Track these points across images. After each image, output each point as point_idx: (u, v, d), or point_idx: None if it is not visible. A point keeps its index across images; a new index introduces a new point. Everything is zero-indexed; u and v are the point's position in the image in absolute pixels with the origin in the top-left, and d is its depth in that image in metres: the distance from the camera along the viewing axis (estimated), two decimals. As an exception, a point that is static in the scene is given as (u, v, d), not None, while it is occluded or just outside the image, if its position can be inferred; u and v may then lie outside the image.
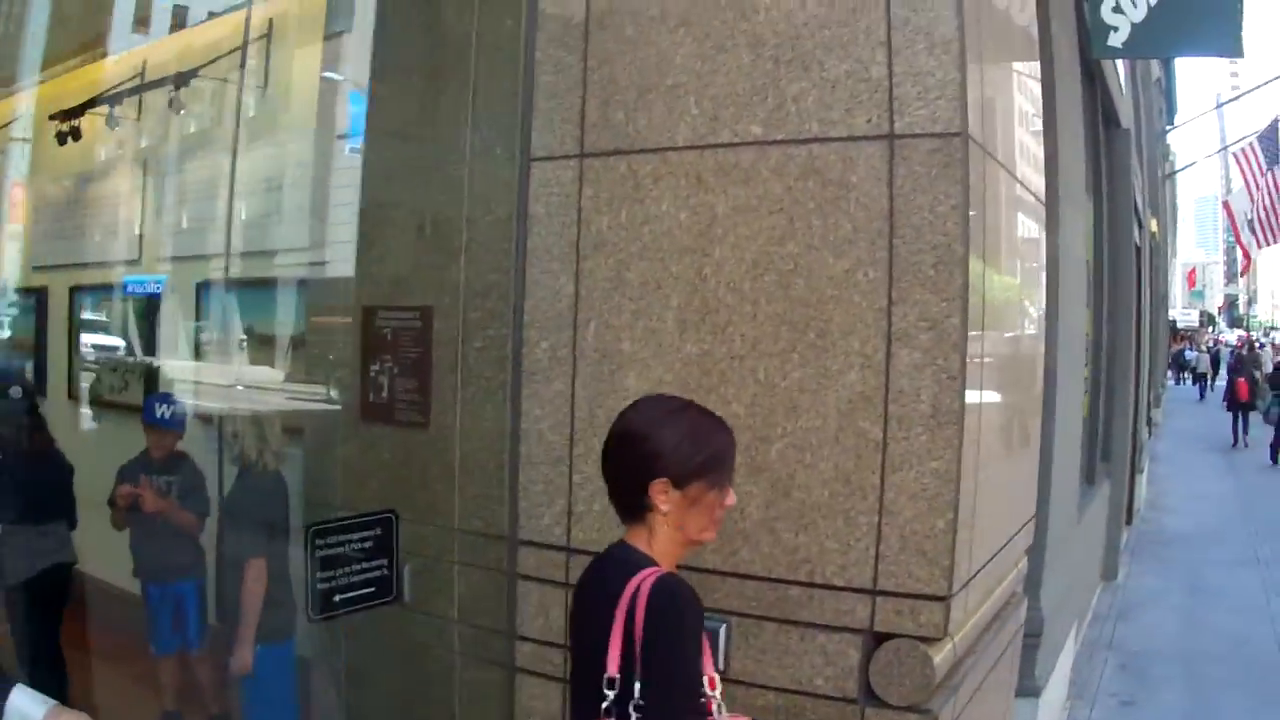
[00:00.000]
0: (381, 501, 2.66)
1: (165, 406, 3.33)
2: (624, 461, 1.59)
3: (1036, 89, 2.89)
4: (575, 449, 2.32)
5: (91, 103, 3.80)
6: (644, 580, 1.48)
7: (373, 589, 2.13)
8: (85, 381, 4.33)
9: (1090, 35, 3.97)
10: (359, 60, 2.74)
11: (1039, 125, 2.99)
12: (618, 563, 1.56)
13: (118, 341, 4.44)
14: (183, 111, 3.72)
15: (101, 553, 3.43)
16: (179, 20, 3.99)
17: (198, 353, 3.86)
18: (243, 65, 3.33)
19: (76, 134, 3.79)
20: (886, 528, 1.85)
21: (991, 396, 2.11)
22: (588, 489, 2.29)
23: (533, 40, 2.32)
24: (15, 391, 3.23)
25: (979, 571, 2.06)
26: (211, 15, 3.81)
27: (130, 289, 4.21)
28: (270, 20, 3.21)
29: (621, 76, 2.21)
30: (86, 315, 4.40)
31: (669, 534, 1.56)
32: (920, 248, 1.82)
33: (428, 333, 2.60)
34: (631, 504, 1.58)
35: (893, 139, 1.83)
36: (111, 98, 3.80)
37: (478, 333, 2.51)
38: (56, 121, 3.72)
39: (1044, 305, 3.12)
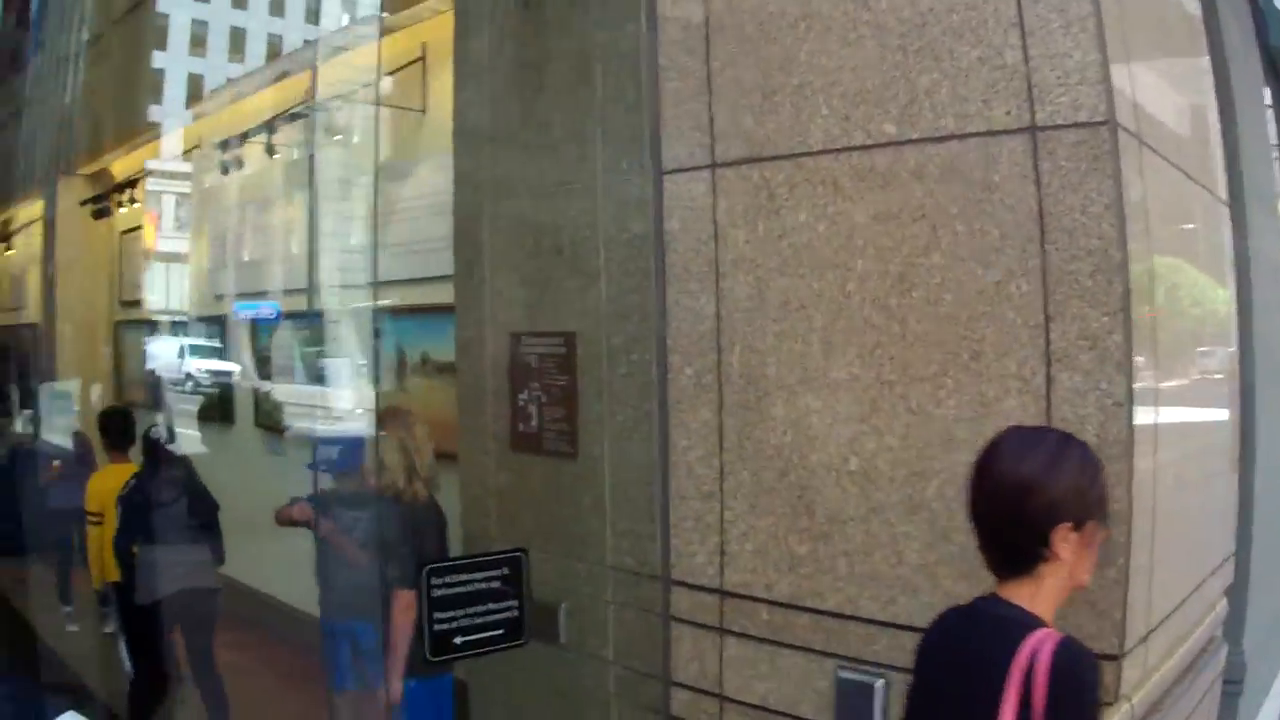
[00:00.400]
0: (534, 536, 3.04)
1: (332, 449, 3.92)
2: (1019, 512, 1.60)
3: (1205, 80, 2.81)
4: (725, 482, 2.55)
5: (262, 130, 4.49)
6: (1041, 645, 1.50)
7: (500, 631, 2.45)
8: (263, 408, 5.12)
9: (1267, 22, 3.86)
10: (487, 78, 3.10)
11: (1214, 118, 2.91)
12: (996, 622, 1.59)
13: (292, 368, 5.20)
14: (338, 138, 4.31)
15: (292, 579, 4.10)
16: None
17: (331, 380, 4.47)
18: (377, 88, 3.82)
19: (239, 163, 4.50)
20: (1050, 577, 1.92)
21: (1172, 422, 2.10)
22: (740, 526, 2.51)
23: (654, 45, 2.55)
24: (157, 431, 3.99)
25: (1161, 623, 2.07)
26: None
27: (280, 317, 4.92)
28: (424, 44, 3.65)
29: (746, 78, 2.39)
30: (262, 343, 5.18)
31: (1058, 584, 1.62)
32: (1074, 254, 1.88)
33: (572, 359, 2.93)
34: (1021, 555, 1.62)
35: (1035, 131, 1.90)
36: (269, 125, 4.47)
37: (621, 358, 2.80)
38: (219, 151, 4.44)
39: (1235, 315, 3.02)
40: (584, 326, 2.90)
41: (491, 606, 2.43)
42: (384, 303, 4.33)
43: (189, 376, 5.63)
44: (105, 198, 6.11)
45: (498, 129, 3.11)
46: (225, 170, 4.50)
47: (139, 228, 6.17)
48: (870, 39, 2.14)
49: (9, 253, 6.94)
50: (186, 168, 5.63)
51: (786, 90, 2.32)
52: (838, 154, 2.25)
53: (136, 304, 6.14)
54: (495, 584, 2.44)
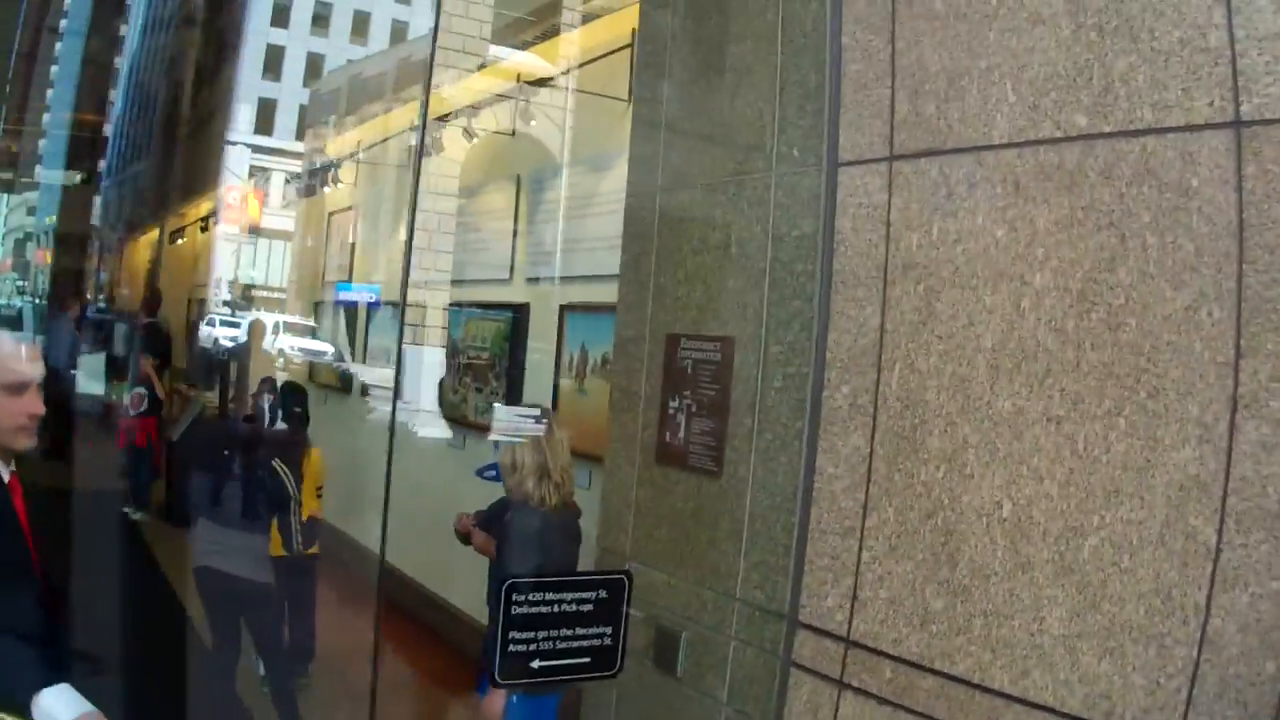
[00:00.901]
0: (667, 557, 3.10)
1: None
2: None
3: None
4: (868, 519, 2.50)
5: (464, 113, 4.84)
6: None
7: (587, 659, 2.49)
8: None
9: None
10: (666, 60, 3.21)
11: None
12: None
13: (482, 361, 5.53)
14: (532, 123, 4.58)
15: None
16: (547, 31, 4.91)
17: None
18: (568, 77, 4.02)
19: (437, 146, 4.87)
20: (1205, 665, 1.77)
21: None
22: (876, 570, 2.45)
23: (839, 22, 2.58)
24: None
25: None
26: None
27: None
28: (632, 30, 3.82)
29: (931, 60, 2.37)
30: (457, 334, 5.54)
31: None
32: (1275, 278, 1.73)
33: (728, 367, 2.97)
34: None
35: (1239, 126, 1.77)
36: (470, 110, 4.81)
37: (777, 370, 2.81)
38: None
39: None
40: (743, 332, 2.94)
41: (580, 631, 2.48)
42: (572, 299, 4.53)
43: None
44: (312, 176, 6.79)
45: (674, 114, 3.22)
46: (425, 154, 4.90)
47: (348, 208, 6.82)
48: (1064, 15, 2.07)
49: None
50: (388, 151, 6.17)
51: (973, 74, 2.28)
52: (1022, 148, 2.18)
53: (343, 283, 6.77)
54: (588, 607, 2.49)
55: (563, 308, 4.72)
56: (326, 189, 6.95)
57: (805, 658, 2.61)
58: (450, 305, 5.64)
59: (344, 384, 6.80)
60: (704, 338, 3.07)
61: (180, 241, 9.42)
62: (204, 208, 8.95)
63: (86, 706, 2.22)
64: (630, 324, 3.40)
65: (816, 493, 2.66)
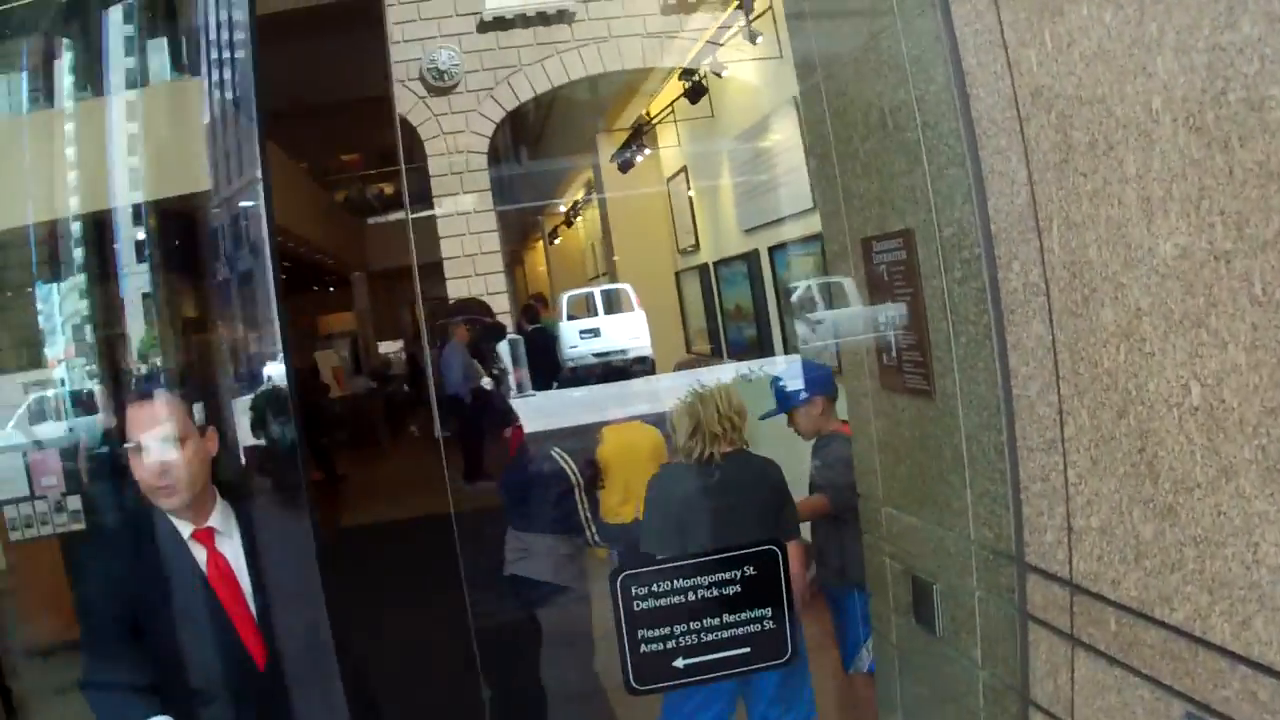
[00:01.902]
0: (907, 496, 2.62)
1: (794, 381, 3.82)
2: None
3: None
4: (1065, 427, 1.92)
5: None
6: None
7: (746, 650, 2.10)
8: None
9: None
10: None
11: None
12: None
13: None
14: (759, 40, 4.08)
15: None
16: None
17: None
18: None
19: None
20: None
21: None
22: (1084, 492, 1.88)
23: None
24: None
25: None
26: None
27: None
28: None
29: None
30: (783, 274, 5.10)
31: None
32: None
33: (912, 263, 2.44)
34: None
35: None
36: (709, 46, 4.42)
37: (955, 257, 2.26)
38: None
39: None
40: (917, 220, 2.39)
41: (730, 618, 2.10)
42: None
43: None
44: (626, 150, 6.70)
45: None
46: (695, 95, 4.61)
47: (682, 170, 6.63)
48: None
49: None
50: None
51: None
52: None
53: (694, 249, 6.60)
54: (735, 589, 2.11)
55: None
56: (640, 157, 6.89)
57: (1038, 607, 2.06)
58: (773, 246, 5.29)
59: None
60: (888, 236, 2.54)
61: (557, 241, 9.86)
62: (570, 200, 9.33)
63: None
64: (833, 236, 2.92)
65: (1015, 400, 2.08)
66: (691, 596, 2.12)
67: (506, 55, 8.92)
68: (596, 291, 8.79)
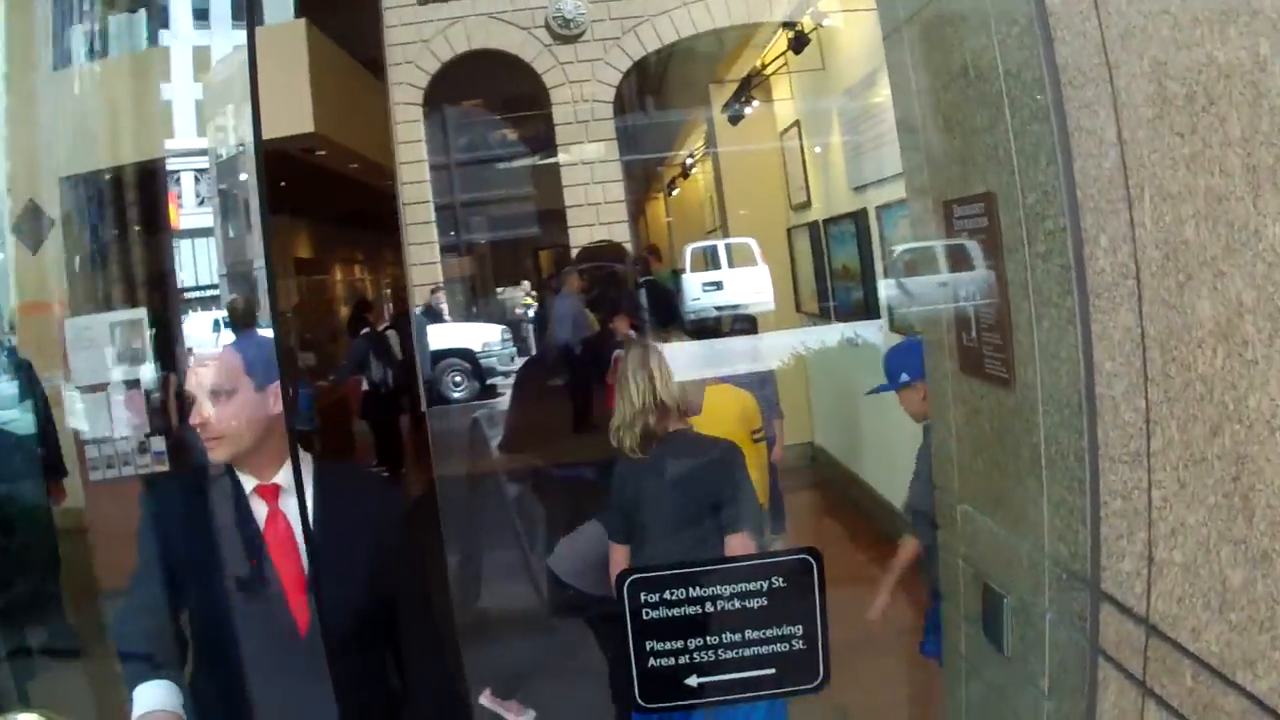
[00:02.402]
0: (983, 494, 2.32)
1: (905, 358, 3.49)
2: None
3: None
4: (1152, 439, 1.59)
5: None
6: None
7: (770, 670, 1.82)
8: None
9: None
10: None
11: None
12: None
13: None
14: None
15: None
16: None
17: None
18: None
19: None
20: None
21: None
22: (1169, 518, 1.56)
23: None
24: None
25: None
26: None
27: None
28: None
29: None
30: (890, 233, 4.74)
31: None
32: None
33: (994, 231, 2.12)
34: None
35: None
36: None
37: (1038, 226, 1.94)
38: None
39: None
40: (999, 182, 2.06)
41: (753, 634, 1.83)
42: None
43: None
44: (736, 102, 6.34)
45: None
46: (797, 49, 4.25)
47: (795, 124, 6.25)
48: None
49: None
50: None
51: None
52: None
53: (805, 206, 6.25)
54: (761, 601, 1.84)
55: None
56: (748, 109, 6.52)
57: (1110, 643, 1.75)
58: (881, 205, 4.90)
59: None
60: (970, 199, 2.21)
61: (675, 193, 9.52)
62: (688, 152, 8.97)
63: (168, 705, 2.17)
64: (914, 194, 2.60)
65: (1099, 400, 1.76)
66: (710, 607, 1.87)
67: (631, 5, 8.67)
68: (721, 244, 8.54)
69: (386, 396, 7.14)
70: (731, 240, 8.16)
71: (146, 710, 2.18)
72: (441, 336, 10.06)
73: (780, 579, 1.87)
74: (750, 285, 8.29)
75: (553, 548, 4.16)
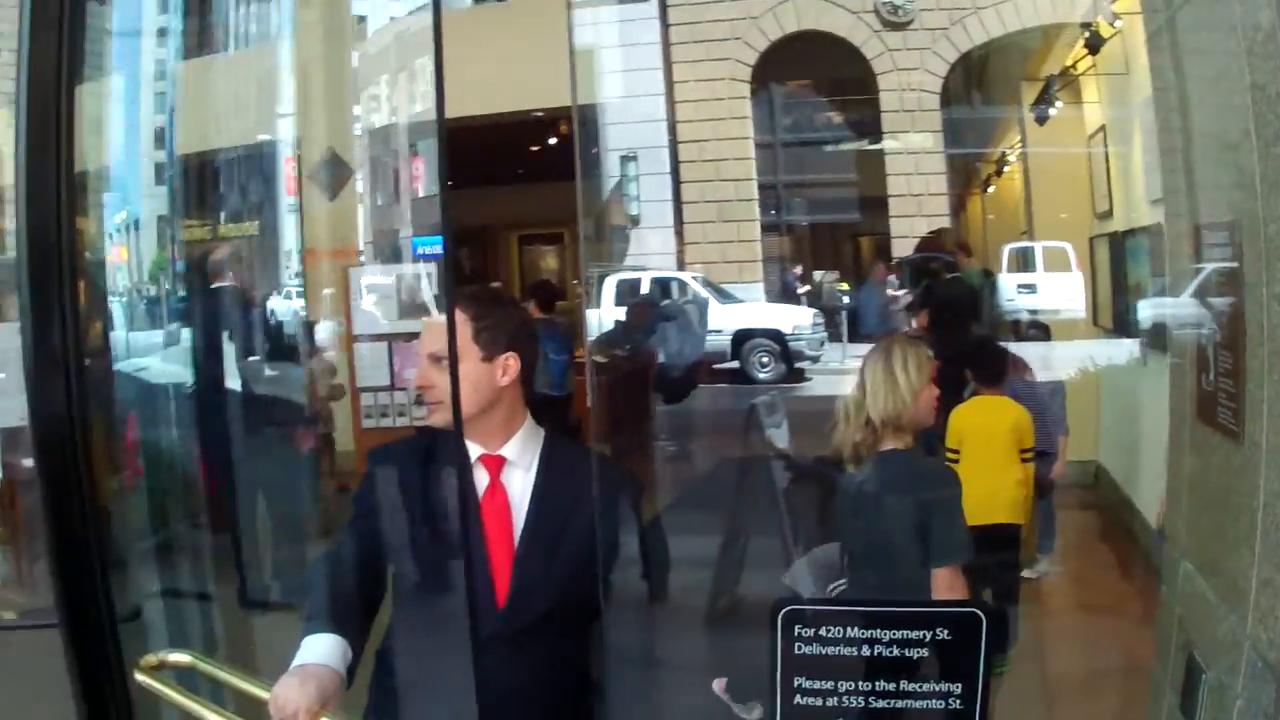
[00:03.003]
0: (1205, 552, 2.06)
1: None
2: None
3: None
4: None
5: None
6: None
7: None
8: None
9: None
10: None
11: None
12: None
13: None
14: None
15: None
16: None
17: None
18: None
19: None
20: None
21: None
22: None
23: None
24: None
25: None
26: None
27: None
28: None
29: None
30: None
31: None
32: None
33: (1238, 265, 1.85)
34: None
35: None
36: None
37: (1278, 262, 1.67)
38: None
39: None
40: (1240, 207, 1.80)
41: (909, 687, 1.69)
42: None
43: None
44: (1042, 101, 5.83)
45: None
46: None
47: (1101, 129, 5.72)
48: None
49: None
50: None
51: None
52: None
53: (1107, 215, 5.72)
54: (921, 652, 1.70)
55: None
56: (1052, 110, 5.98)
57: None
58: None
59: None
60: (1217, 225, 1.95)
61: (991, 190, 8.97)
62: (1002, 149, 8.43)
63: (331, 661, 2.16)
64: (1173, 215, 2.32)
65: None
66: (866, 650, 1.75)
67: (959, -3, 8.36)
68: (1038, 247, 8.09)
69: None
70: (1048, 244, 7.72)
71: (305, 661, 2.18)
72: (751, 315, 10.03)
73: (945, 632, 1.73)
74: (1064, 291, 7.80)
75: (816, 544, 4.09)
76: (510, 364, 2.42)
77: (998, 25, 8.11)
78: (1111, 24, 4.42)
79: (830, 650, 1.77)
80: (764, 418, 5.91)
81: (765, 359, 9.77)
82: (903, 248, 9.39)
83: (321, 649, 2.20)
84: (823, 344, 9.75)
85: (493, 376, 2.42)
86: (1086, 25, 4.56)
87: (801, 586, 3.48)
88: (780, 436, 5.27)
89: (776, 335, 9.84)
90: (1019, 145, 8.25)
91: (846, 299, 10.06)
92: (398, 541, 2.47)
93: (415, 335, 4.66)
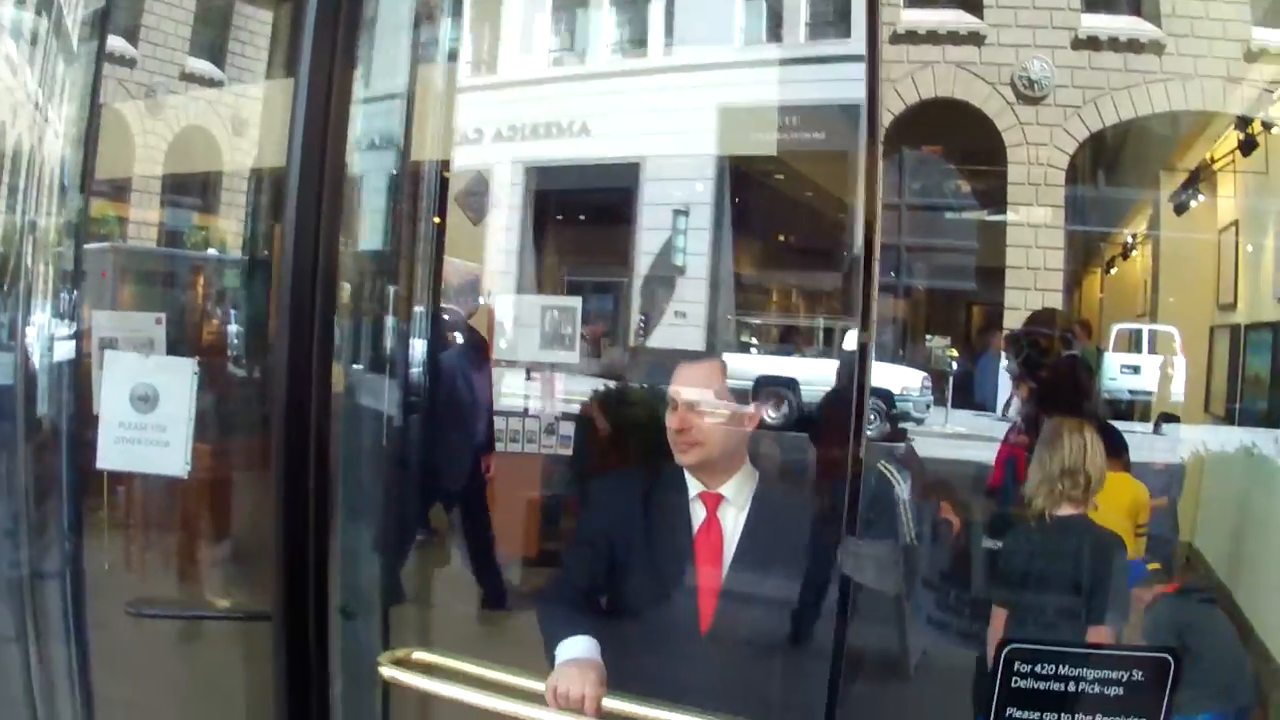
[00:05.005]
0: None
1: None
2: None
3: None
4: None
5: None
6: None
7: None
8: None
9: None
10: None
11: None
12: None
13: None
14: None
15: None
16: None
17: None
18: None
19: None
20: None
21: None
22: None
23: None
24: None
25: None
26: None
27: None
28: None
29: None
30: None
31: None
32: None
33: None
34: None
35: None
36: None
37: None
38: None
39: None
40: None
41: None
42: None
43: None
44: (1184, 191, 5.90)
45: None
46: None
47: (1233, 223, 5.79)
48: None
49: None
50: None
51: None
52: None
53: (1230, 307, 5.78)
54: (1117, 690, 1.91)
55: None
56: (1194, 201, 6.05)
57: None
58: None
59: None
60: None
61: (1113, 271, 8.97)
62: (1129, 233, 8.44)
63: (588, 654, 2.35)
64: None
65: None
66: (1070, 687, 2.02)
67: (1094, 76, 8.40)
68: (1145, 329, 8.14)
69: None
70: (1156, 326, 7.78)
71: (572, 656, 2.38)
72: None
73: (1140, 673, 1.96)
74: (1166, 375, 7.82)
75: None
76: (755, 414, 2.68)
77: (1129, 108, 8.17)
78: (1269, 129, 4.54)
79: (1042, 685, 2.03)
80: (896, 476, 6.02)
81: (872, 416, 9.85)
82: (1013, 319, 9.40)
83: (582, 646, 2.42)
84: (928, 407, 9.80)
85: (743, 421, 2.69)
86: (1244, 123, 4.67)
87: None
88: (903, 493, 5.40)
89: (887, 395, 9.95)
90: (1146, 229, 8.28)
91: (955, 365, 10.12)
92: (616, 565, 2.69)
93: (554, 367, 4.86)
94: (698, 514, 2.65)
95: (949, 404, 9.59)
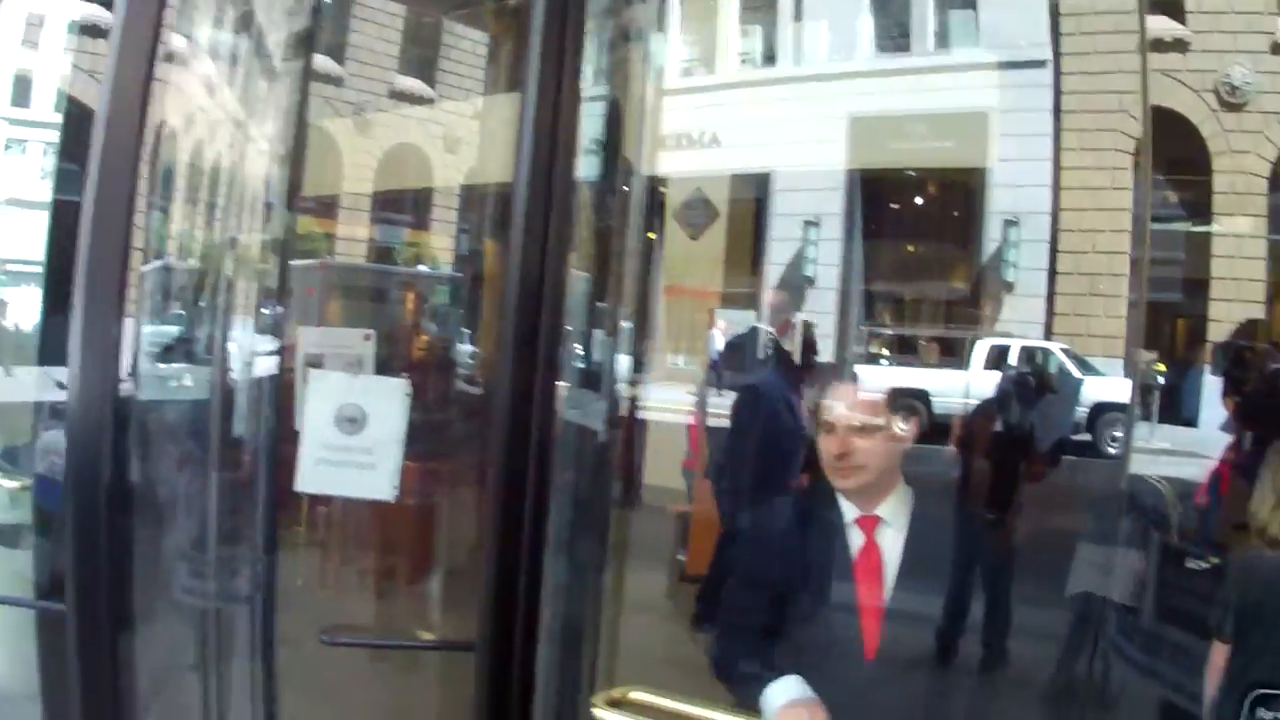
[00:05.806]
0: None
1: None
2: None
3: None
4: None
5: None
6: None
7: None
8: None
9: None
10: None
11: None
12: None
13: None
14: None
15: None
16: None
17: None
18: None
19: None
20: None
21: None
22: None
23: None
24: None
25: None
26: None
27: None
28: None
29: None
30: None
31: None
32: None
33: None
34: None
35: None
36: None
37: None
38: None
39: None
40: None
41: None
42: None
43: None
44: None
45: None
46: None
47: None
48: None
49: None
50: None
51: None
52: None
53: None
54: None
55: None
56: None
57: None
58: None
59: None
60: None
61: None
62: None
63: (805, 694, 2.27)
64: None
65: None
66: None
67: (1295, 81, 7.94)
68: (1336, 348, 7.55)
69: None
70: (1363, 340, 7.22)
71: (791, 699, 2.33)
72: (1102, 388, 9.59)
73: None
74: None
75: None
76: (913, 430, 2.51)
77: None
78: None
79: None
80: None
81: (1117, 433, 9.32)
82: (1218, 332, 8.99)
83: (795, 687, 2.37)
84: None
85: (901, 443, 2.51)
86: None
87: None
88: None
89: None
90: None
91: (1161, 379, 9.57)
92: (777, 593, 2.64)
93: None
94: (855, 540, 2.54)
95: (1154, 419, 9.04)
